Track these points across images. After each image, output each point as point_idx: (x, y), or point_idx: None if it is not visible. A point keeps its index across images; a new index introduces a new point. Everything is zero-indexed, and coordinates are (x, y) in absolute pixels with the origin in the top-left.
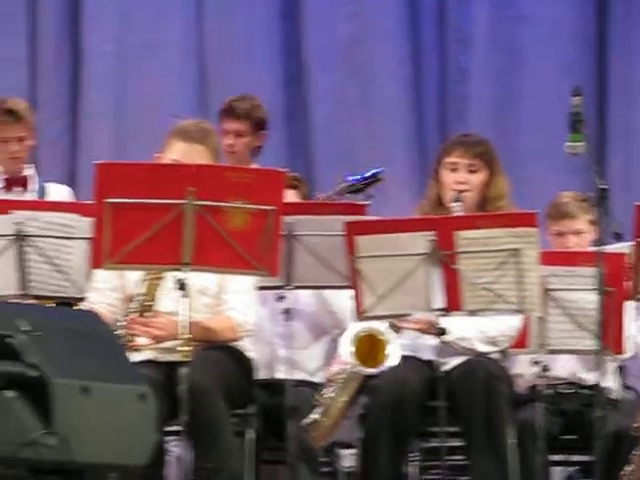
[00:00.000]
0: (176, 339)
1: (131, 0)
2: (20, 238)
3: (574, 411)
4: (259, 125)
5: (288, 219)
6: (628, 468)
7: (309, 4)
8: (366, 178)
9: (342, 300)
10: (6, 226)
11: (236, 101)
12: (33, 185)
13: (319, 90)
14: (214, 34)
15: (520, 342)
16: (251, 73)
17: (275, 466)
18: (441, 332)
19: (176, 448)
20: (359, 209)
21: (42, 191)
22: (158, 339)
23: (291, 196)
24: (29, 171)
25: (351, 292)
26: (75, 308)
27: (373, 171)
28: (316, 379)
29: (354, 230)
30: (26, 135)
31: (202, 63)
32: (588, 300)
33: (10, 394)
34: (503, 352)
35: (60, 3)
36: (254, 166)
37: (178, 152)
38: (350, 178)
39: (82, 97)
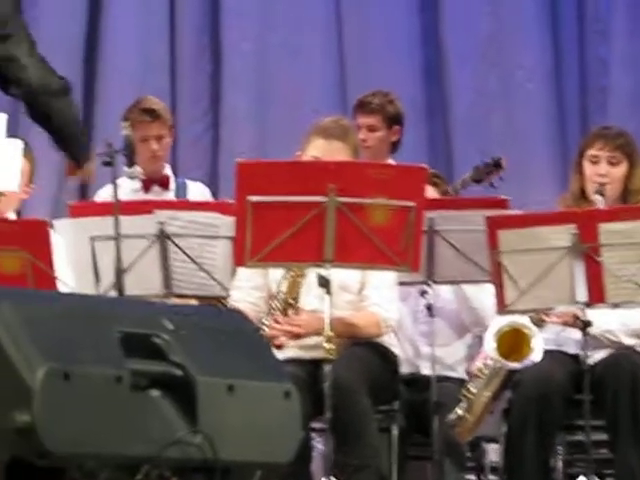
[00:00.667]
0: (319, 336)
1: None
2: (163, 237)
3: None
4: (393, 120)
5: (429, 214)
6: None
7: (447, 2)
8: (487, 166)
9: (483, 297)
10: (149, 226)
11: (369, 96)
12: (172, 184)
13: (458, 85)
14: (353, 31)
15: None
16: (390, 69)
17: (421, 462)
18: (586, 325)
19: (321, 445)
20: (501, 203)
21: (183, 189)
22: (301, 336)
23: (431, 192)
24: (168, 170)
25: (492, 288)
26: (219, 306)
27: (493, 158)
28: (459, 375)
29: (496, 224)
30: (165, 133)
31: (342, 60)
32: None
33: (155, 393)
34: None
35: (199, 2)
36: (390, 161)
37: (318, 149)
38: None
39: (223, 97)
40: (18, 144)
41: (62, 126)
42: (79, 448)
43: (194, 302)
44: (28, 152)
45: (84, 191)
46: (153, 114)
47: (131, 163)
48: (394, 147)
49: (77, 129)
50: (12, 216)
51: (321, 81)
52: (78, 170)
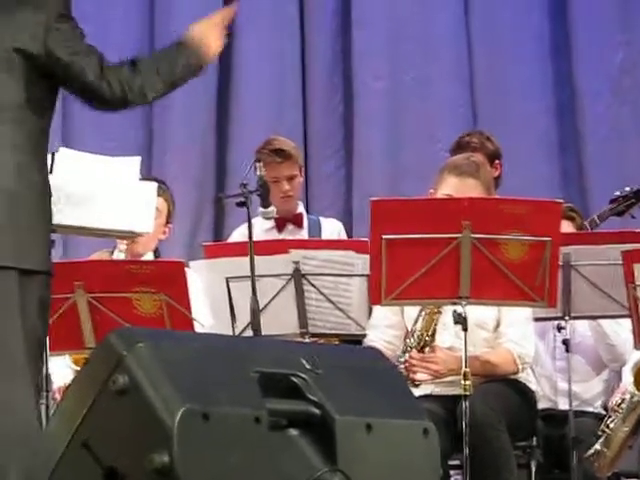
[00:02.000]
0: (456, 374)
1: (401, 36)
2: (298, 277)
3: None
4: (493, 156)
5: (565, 249)
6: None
7: (579, 36)
8: (626, 198)
9: (620, 331)
10: (284, 265)
11: (465, 137)
12: (305, 222)
13: (591, 118)
14: (484, 67)
15: None
16: (522, 103)
17: None
18: None
19: None
20: (637, 237)
21: (316, 226)
22: (438, 374)
23: (566, 227)
24: (300, 209)
25: (629, 323)
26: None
27: (632, 188)
28: (597, 410)
29: (633, 258)
30: (296, 173)
31: (473, 97)
32: None
33: (294, 432)
34: None
35: (330, 41)
36: (495, 196)
37: (451, 187)
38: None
39: (355, 134)
40: (153, 186)
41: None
42: None
43: (335, 342)
44: (165, 192)
45: (218, 231)
46: (283, 154)
47: (266, 203)
48: (497, 182)
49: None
50: (150, 256)
51: (452, 118)
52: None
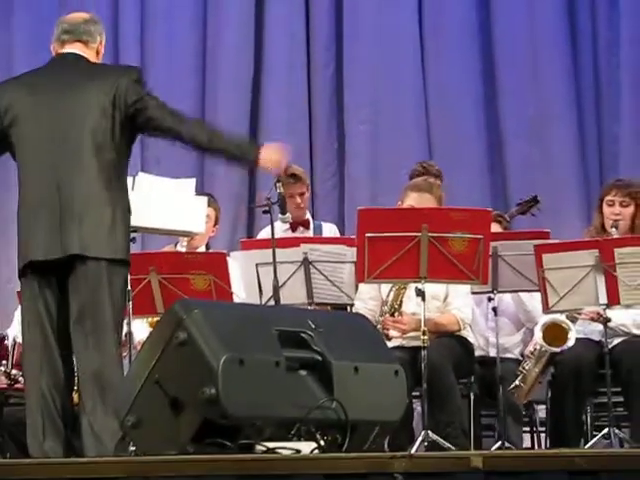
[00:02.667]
0: (417, 331)
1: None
2: (306, 263)
3: None
4: (436, 176)
5: (494, 244)
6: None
7: (505, 94)
8: (527, 202)
9: (534, 302)
10: (297, 255)
11: (420, 166)
12: (311, 225)
13: (513, 154)
14: (438, 115)
15: None
16: (464, 141)
17: (489, 418)
18: (606, 320)
19: (419, 407)
20: (544, 235)
21: (319, 228)
22: (404, 332)
23: (495, 227)
24: (308, 216)
25: (539, 295)
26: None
27: (532, 195)
28: (516, 356)
29: (542, 250)
30: (304, 191)
31: (430, 138)
32: None
33: (303, 373)
34: None
35: (329, 98)
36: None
37: (413, 200)
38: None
39: (346, 164)
40: (204, 199)
41: (222, 151)
42: (251, 412)
43: (329, 309)
44: (214, 202)
45: (250, 230)
46: (295, 177)
47: (284, 211)
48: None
49: (232, 148)
50: (203, 249)
51: (408, 154)
52: (262, 167)
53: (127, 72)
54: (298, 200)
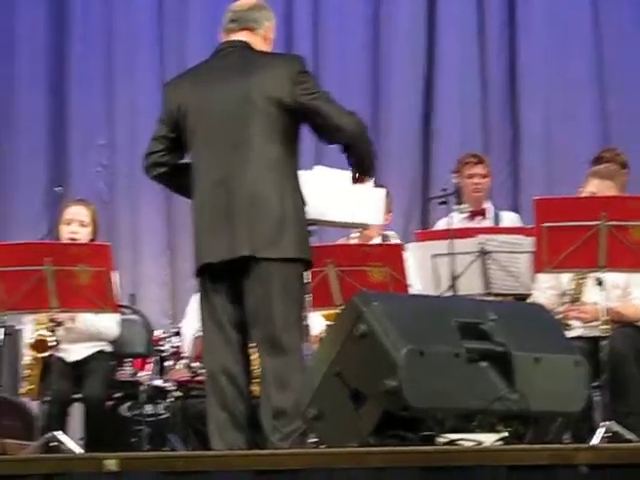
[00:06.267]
0: (598, 320)
1: None
2: (483, 254)
3: None
4: (622, 166)
5: None
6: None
7: None
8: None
9: None
10: (473, 246)
11: (604, 152)
12: (489, 214)
13: None
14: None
15: None
16: None
17: None
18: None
19: (600, 398)
20: None
21: (497, 218)
22: (588, 321)
23: None
24: (486, 204)
25: None
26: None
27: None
28: None
29: None
30: (486, 173)
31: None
32: None
33: (483, 364)
34: None
35: (500, 86)
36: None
37: (594, 187)
38: None
39: (520, 153)
40: (382, 191)
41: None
42: (432, 404)
43: (509, 299)
44: (388, 192)
45: (424, 221)
46: (478, 158)
47: (460, 201)
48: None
49: (371, 157)
50: (378, 239)
51: (589, 142)
52: (361, 181)
53: (291, 62)
54: (476, 180)
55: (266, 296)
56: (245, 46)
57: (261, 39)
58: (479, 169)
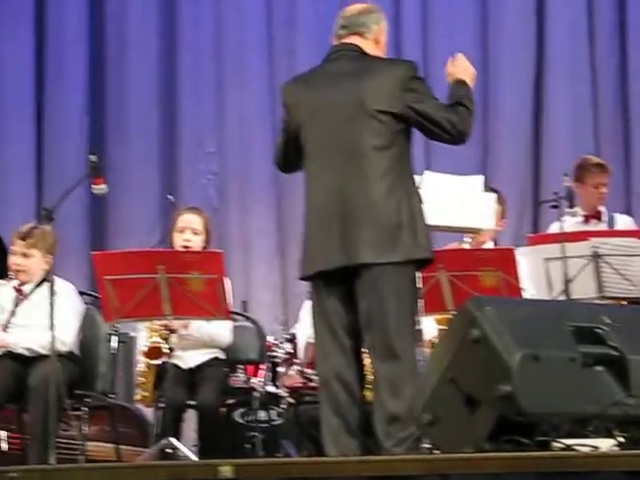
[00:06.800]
0: None
1: None
2: (596, 257)
3: None
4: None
5: None
6: None
7: None
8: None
9: None
10: (586, 249)
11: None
12: (604, 218)
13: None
14: None
15: None
16: None
17: None
18: None
19: None
20: None
21: (612, 220)
22: None
23: None
24: (602, 208)
25: None
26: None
27: None
28: None
29: None
30: (607, 182)
31: None
32: None
33: (599, 369)
34: None
35: (614, 85)
36: None
37: None
38: None
39: (632, 155)
40: (492, 196)
41: None
42: (547, 409)
43: (624, 303)
44: (501, 197)
45: (536, 225)
46: (602, 167)
47: (572, 205)
48: None
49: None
50: (490, 244)
51: None
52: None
53: (403, 68)
54: (603, 190)
55: (379, 301)
56: (357, 50)
57: (372, 43)
58: (605, 178)
